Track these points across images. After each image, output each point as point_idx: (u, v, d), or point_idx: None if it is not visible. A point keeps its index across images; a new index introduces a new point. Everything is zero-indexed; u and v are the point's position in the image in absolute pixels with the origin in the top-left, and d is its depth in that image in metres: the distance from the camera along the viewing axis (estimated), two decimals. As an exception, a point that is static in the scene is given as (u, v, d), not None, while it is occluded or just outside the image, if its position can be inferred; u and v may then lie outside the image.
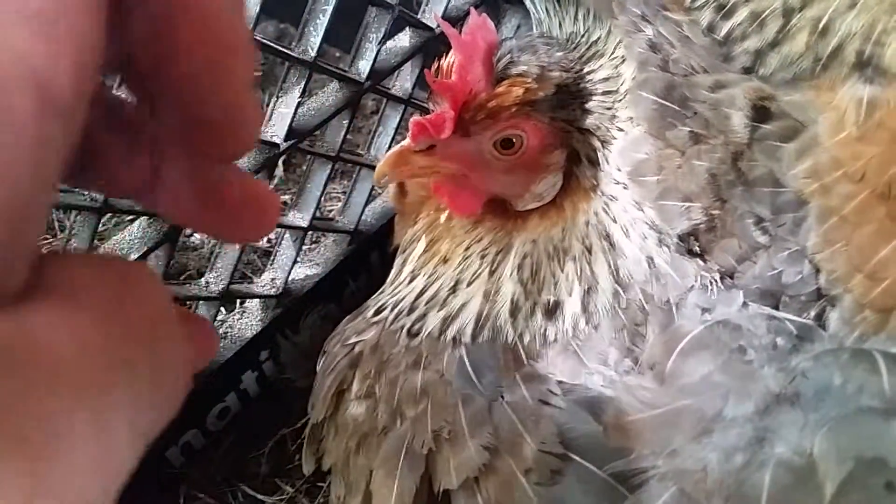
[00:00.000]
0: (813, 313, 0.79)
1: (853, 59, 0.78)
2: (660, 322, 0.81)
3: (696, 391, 0.75)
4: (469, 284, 0.92)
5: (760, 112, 0.82)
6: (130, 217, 1.38)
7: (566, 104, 0.88)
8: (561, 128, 0.88)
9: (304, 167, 1.50)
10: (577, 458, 0.75)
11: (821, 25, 0.79)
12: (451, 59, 0.85)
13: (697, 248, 0.83)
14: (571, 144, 0.90)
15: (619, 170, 0.88)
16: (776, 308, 0.80)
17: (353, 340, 0.99)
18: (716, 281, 0.82)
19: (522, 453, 0.77)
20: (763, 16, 0.82)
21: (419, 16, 1.44)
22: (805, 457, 0.68)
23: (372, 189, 1.53)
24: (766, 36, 0.82)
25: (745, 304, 0.80)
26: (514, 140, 0.87)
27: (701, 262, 0.83)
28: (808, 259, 0.79)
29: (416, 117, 0.85)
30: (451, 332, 0.90)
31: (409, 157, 0.87)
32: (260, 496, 1.43)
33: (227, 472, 1.46)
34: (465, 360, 0.87)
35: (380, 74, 1.39)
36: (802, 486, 0.67)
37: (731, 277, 0.82)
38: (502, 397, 0.82)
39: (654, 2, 0.89)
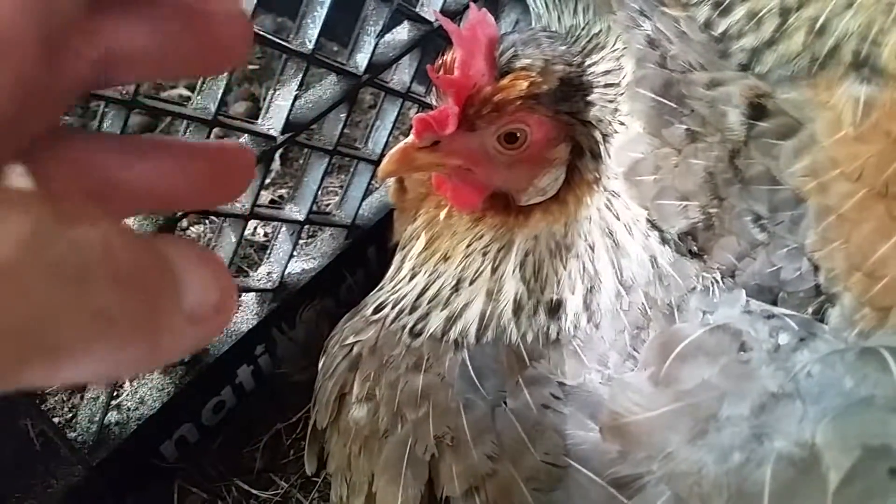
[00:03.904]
0: (811, 310, 0.79)
1: (850, 58, 0.78)
2: (662, 327, 0.81)
3: (693, 393, 0.75)
4: (472, 283, 0.92)
5: (757, 109, 0.82)
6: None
7: (569, 97, 0.88)
8: (565, 121, 0.88)
9: (301, 161, 1.49)
10: (576, 464, 0.75)
11: (818, 25, 0.79)
12: (453, 55, 0.85)
13: (695, 248, 0.83)
14: (575, 137, 0.89)
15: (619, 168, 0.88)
16: (774, 305, 0.80)
17: (350, 341, 0.99)
18: (717, 282, 0.82)
19: (526, 463, 0.77)
20: (760, 14, 0.82)
21: (417, 9, 1.44)
22: (807, 448, 0.68)
23: (369, 183, 1.53)
24: (762, 34, 0.82)
25: (747, 304, 0.80)
26: (517, 134, 0.87)
27: (702, 263, 0.83)
28: (807, 257, 0.79)
29: (419, 114, 0.85)
30: (454, 333, 0.90)
31: (412, 154, 0.86)
32: (254, 491, 1.43)
33: (222, 466, 1.46)
34: (468, 363, 0.87)
35: (378, 68, 1.39)
36: (805, 477, 0.68)
37: (732, 277, 0.82)
38: (505, 403, 0.83)
39: (651, -3, 0.89)
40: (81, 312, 0.27)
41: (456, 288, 0.93)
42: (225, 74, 1.16)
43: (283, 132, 1.27)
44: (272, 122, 1.27)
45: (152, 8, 0.35)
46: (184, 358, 1.36)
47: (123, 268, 0.29)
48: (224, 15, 0.36)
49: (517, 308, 0.89)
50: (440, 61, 0.87)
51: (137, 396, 1.36)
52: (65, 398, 1.47)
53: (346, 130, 1.42)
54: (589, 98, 0.89)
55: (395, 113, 1.50)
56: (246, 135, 1.26)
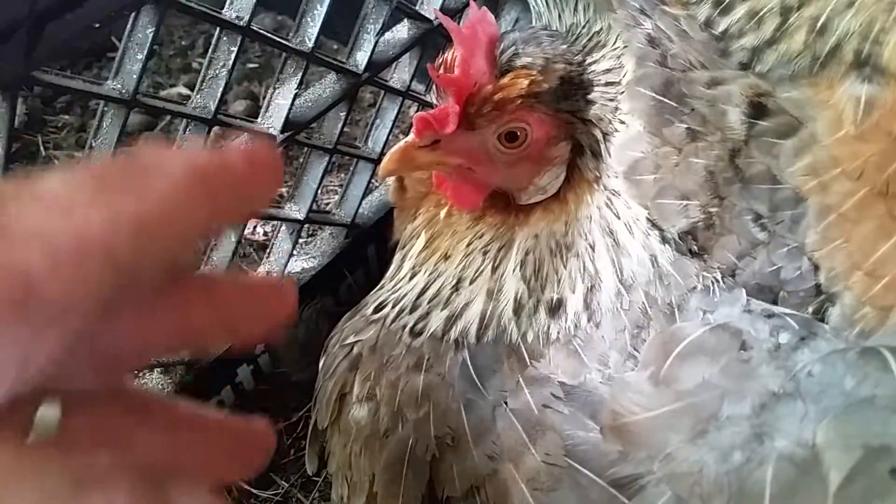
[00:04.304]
0: (811, 309, 0.79)
1: (851, 57, 0.78)
2: (662, 326, 0.81)
3: (693, 393, 0.75)
4: (472, 282, 0.92)
5: (757, 108, 0.82)
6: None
7: (570, 95, 0.88)
8: (565, 119, 0.88)
9: (301, 159, 1.49)
10: (576, 465, 0.75)
11: (819, 24, 0.79)
12: (453, 53, 0.84)
13: (695, 248, 0.83)
14: (575, 136, 0.89)
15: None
16: (774, 304, 0.80)
17: (350, 341, 0.99)
18: (717, 281, 0.82)
19: (526, 464, 0.77)
20: (761, 13, 0.82)
21: (417, 7, 1.44)
22: (808, 448, 0.68)
23: (369, 182, 1.52)
24: (763, 34, 0.82)
25: (747, 304, 0.80)
26: (518, 133, 0.87)
27: (702, 262, 0.83)
28: (807, 256, 0.79)
29: (419, 112, 0.85)
30: (454, 333, 0.90)
31: (413, 152, 0.86)
32: (254, 490, 1.43)
33: (222, 465, 1.46)
34: (469, 363, 0.87)
35: (377, 66, 1.39)
36: (806, 477, 0.68)
37: (733, 276, 0.82)
38: (505, 403, 0.82)
39: (651, -4, 0.89)
40: None
41: (456, 287, 0.93)
42: (224, 73, 1.16)
43: (282, 131, 1.26)
44: (272, 120, 1.27)
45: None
46: (183, 357, 1.36)
47: None
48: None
49: (518, 307, 0.89)
50: (441, 60, 0.87)
51: (137, 396, 1.35)
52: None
53: (345, 129, 1.41)
54: (589, 96, 0.89)
55: (395, 111, 1.50)
56: (245, 133, 1.26)
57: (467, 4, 1.47)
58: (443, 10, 1.45)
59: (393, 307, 0.97)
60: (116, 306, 0.36)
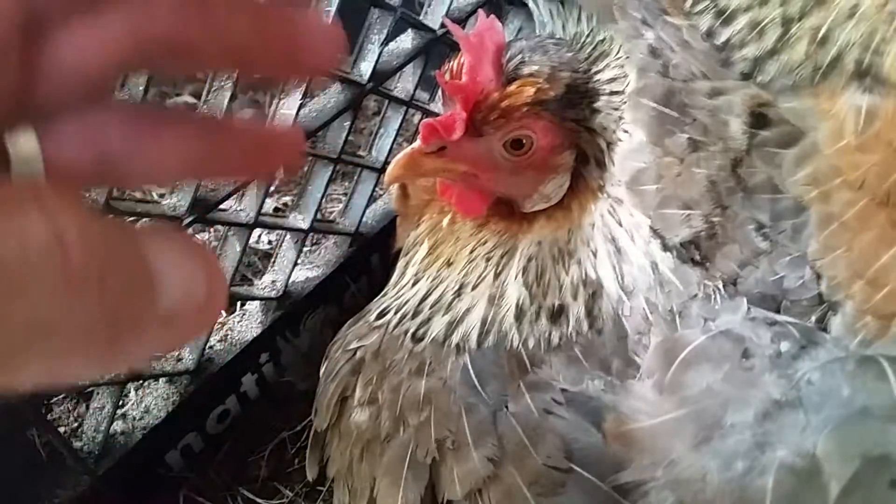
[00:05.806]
0: (814, 318, 0.79)
1: (852, 68, 0.78)
2: (663, 333, 0.82)
3: (697, 400, 0.75)
4: (474, 288, 0.92)
5: (758, 119, 0.82)
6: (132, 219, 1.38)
7: (575, 104, 0.88)
8: (570, 128, 0.88)
9: (306, 169, 1.50)
10: (579, 469, 0.75)
11: (820, 35, 0.79)
12: (460, 60, 0.85)
13: (698, 257, 0.83)
14: (580, 145, 0.90)
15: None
16: (777, 313, 0.80)
17: (354, 346, 0.99)
18: (719, 289, 0.82)
19: (527, 466, 0.77)
20: (762, 24, 0.82)
21: (421, 17, 1.45)
22: (808, 458, 0.68)
23: (373, 191, 1.53)
24: (765, 44, 0.82)
25: (748, 311, 0.80)
26: (524, 141, 0.87)
27: (704, 271, 0.83)
28: (810, 265, 0.79)
29: (426, 119, 0.85)
30: (455, 338, 0.90)
31: (419, 158, 0.87)
32: (259, 500, 1.43)
33: (227, 475, 1.46)
34: (470, 367, 0.87)
35: (382, 76, 1.40)
36: (807, 487, 0.68)
37: (734, 284, 0.82)
38: (506, 407, 0.83)
39: (654, 6, 0.89)
40: (14, 324, 0.25)
41: (458, 293, 0.93)
42: (230, 83, 1.17)
43: (287, 141, 1.27)
44: (277, 130, 1.27)
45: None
46: (189, 367, 1.37)
47: (75, 269, 0.25)
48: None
49: (519, 313, 0.89)
50: (447, 67, 0.87)
51: (142, 405, 1.36)
52: (70, 407, 1.48)
53: (350, 138, 1.42)
54: (595, 105, 0.89)
55: (399, 121, 1.51)
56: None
57: (471, 14, 1.48)
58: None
59: (395, 313, 0.98)
60: (45, 17, 0.29)
